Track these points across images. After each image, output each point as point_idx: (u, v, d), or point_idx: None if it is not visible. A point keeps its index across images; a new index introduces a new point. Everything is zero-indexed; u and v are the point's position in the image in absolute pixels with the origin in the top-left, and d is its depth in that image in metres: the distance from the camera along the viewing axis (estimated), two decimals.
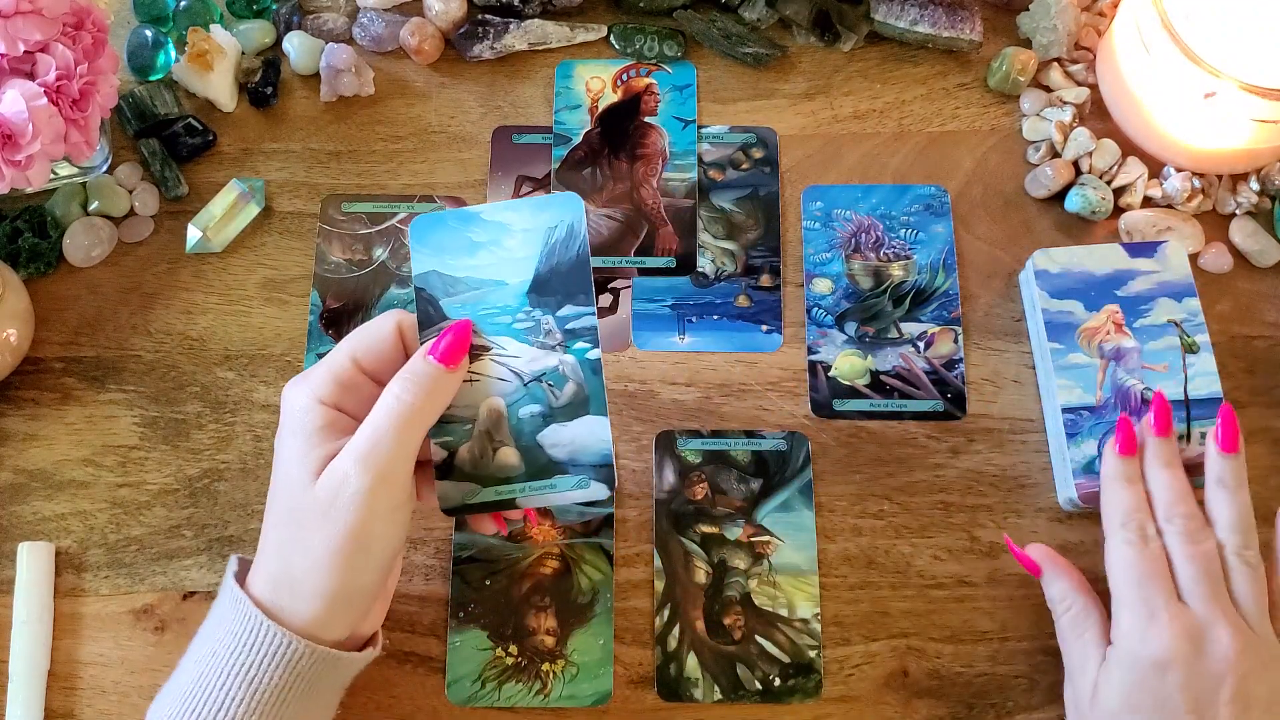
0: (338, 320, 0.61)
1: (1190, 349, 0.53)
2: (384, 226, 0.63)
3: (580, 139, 0.65)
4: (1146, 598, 0.47)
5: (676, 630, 0.55)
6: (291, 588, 0.43)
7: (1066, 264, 0.55)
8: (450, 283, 0.47)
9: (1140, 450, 0.51)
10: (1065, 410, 0.52)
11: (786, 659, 0.54)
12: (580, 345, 0.47)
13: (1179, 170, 0.63)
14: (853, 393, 0.60)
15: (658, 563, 0.56)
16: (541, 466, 0.46)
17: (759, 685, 0.54)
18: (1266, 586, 0.48)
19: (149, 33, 0.66)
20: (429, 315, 0.46)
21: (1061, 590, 0.51)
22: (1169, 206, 0.63)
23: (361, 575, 0.43)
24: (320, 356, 0.60)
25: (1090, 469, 0.52)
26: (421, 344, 0.45)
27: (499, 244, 0.47)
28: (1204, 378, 0.53)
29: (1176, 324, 0.54)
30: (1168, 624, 0.45)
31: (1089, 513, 0.56)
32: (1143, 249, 0.56)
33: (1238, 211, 0.63)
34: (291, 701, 0.43)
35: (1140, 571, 0.47)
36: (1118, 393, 0.53)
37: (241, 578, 0.45)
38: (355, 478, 0.42)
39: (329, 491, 0.42)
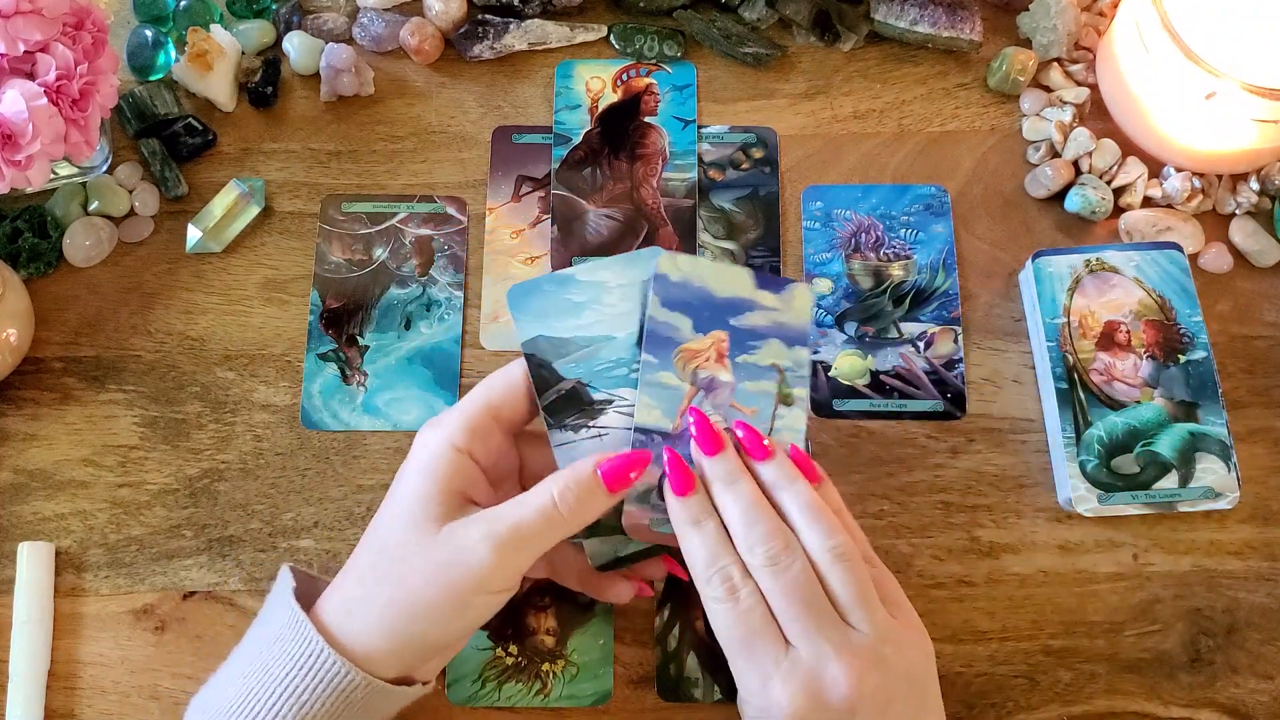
0: (338, 320, 0.61)
1: (785, 400, 0.47)
2: (384, 226, 0.63)
3: (580, 139, 0.65)
4: (754, 664, 0.42)
5: (676, 630, 0.55)
6: (365, 616, 0.43)
7: (689, 274, 0.47)
8: (559, 344, 0.47)
9: (702, 479, 0.45)
10: (638, 430, 0.46)
11: None
12: None
13: (1179, 170, 0.63)
14: (853, 393, 0.60)
15: None
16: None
17: None
18: (863, 572, 0.43)
19: (149, 33, 0.66)
20: (544, 379, 0.46)
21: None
22: (1169, 206, 0.63)
23: (444, 632, 0.43)
24: (320, 357, 0.60)
25: (646, 499, 0.46)
26: (544, 409, 0.46)
27: (599, 301, 0.47)
28: (791, 434, 0.47)
29: (780, 370, 0.47)
30: (780, 688, 0.41)
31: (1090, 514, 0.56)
32: (772, 283, 0.48)
33: (1238, 211, 0.63)
34: None
35: (738, 634, 0.42)
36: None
37: (299, 593, 0.45)
38: (483, 555, 0.42)
39: (450, 550, 0.42)
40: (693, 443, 0.45)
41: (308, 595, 0.45)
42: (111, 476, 0.58)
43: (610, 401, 0.47)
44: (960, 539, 0.57)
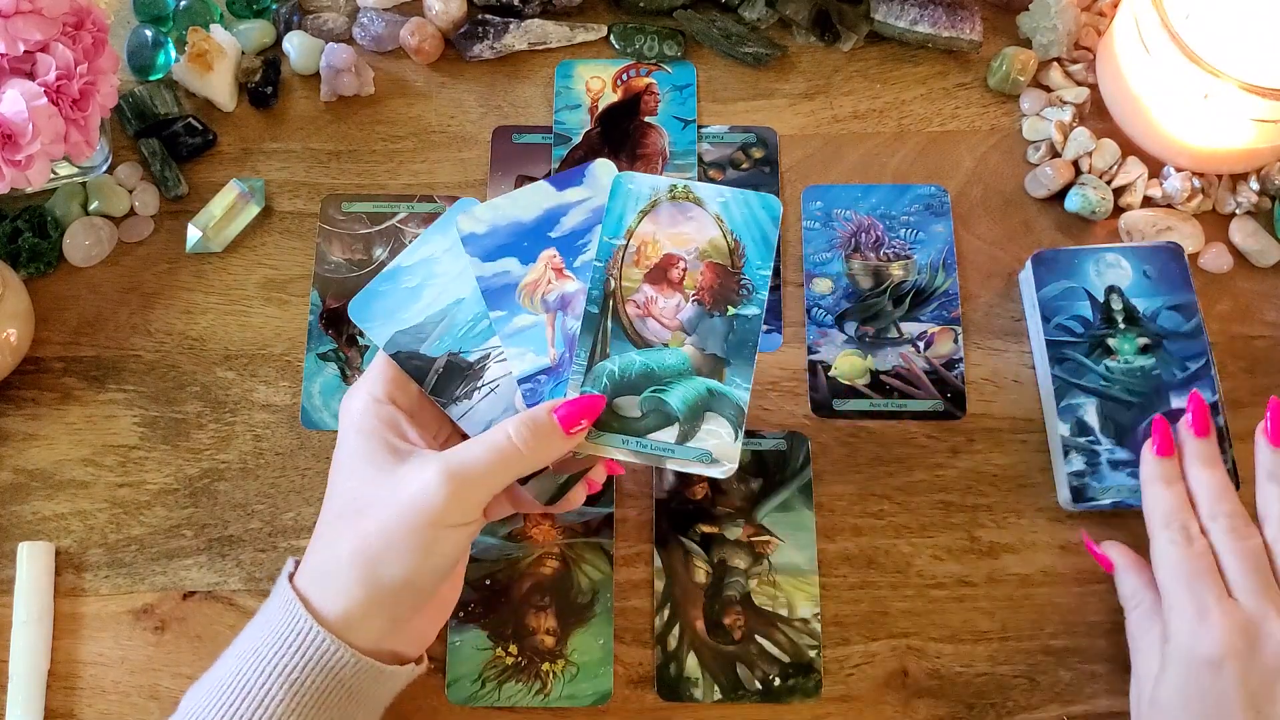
0: (338, 320, 0.61)
1: None
2: (384, 226, 0.63)
3: (580, 139, 0.65)
4: (1196, 596, 0.46)
5: (676, 630, 0.55)
6: (335, 575, 0.43)
7: (493, 219, 0.48)
8: (415, 331, 0.48)
9: (1179, 450, 0.52)
10: (522, 381, 0.47)
11: (786, 659, 0.54)
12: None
13: (1179, 170, 0.63)
14: (853, 392, 0.60)
15: (657, 562, 0.56)
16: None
17: (759, 685, 0.54)
18: None
19: (149, 33, 0.66)
20: (418, 368, 0.48)
21: (1133, 586, 0.51)
22: (1169, 206, 0.63)
23: (411, 572, 0.44)
24: (320, 357, 0.60)
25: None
26: (430, 394, 0.47)
27: (433, 274, 0.49)
28: None
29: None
30: (1219, 621, 0.45)
31: (1090, 513, 0.56)
32: (570, 178, 0.49)
33: (1238, 211, 0.63)
34: (331, 706, 0.43)
35: (1187, 570, 0.47)
36: (570, 342, 0.48)
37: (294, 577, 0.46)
38: (437, 487, 0.42)
39: (406, 488, 0.43)
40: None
41: None
42: (111, 476, 0.58)
43: (487, 355, 0.48)
44: (960, 539, 0.57)
